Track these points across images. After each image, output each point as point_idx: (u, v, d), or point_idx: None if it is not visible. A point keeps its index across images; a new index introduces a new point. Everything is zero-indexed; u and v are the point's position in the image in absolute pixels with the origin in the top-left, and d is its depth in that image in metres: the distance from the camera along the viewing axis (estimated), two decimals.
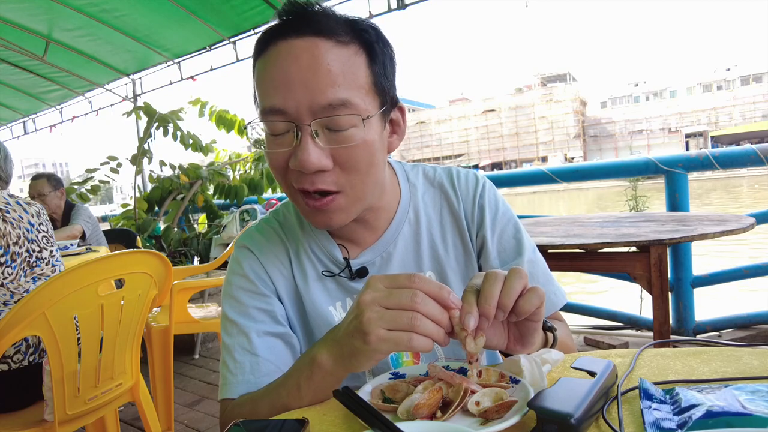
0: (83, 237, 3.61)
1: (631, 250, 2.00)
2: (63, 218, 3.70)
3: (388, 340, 0.58)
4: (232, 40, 4.77)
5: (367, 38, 0.74)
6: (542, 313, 0.63)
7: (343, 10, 0.75)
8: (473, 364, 0.62)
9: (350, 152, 0.71)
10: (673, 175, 2.89)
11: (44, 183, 3.62)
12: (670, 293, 2.74)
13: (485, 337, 0.60)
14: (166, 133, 5.13)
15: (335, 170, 0.71)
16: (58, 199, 3.69)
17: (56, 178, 3.75)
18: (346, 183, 0.73)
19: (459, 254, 0.88)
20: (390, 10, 3.80)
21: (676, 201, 2.90)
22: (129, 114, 5.53)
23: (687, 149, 47.01)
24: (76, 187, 5.44)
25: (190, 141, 5.21)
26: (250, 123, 0.76)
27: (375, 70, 0.74)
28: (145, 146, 5.12)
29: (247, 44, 4.81)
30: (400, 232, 0.87)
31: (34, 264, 1.63)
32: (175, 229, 5.20)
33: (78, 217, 3.68)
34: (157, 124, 5.04)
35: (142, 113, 5.10)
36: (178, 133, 5.13)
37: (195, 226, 5.66)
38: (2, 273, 1.53)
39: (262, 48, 0.73)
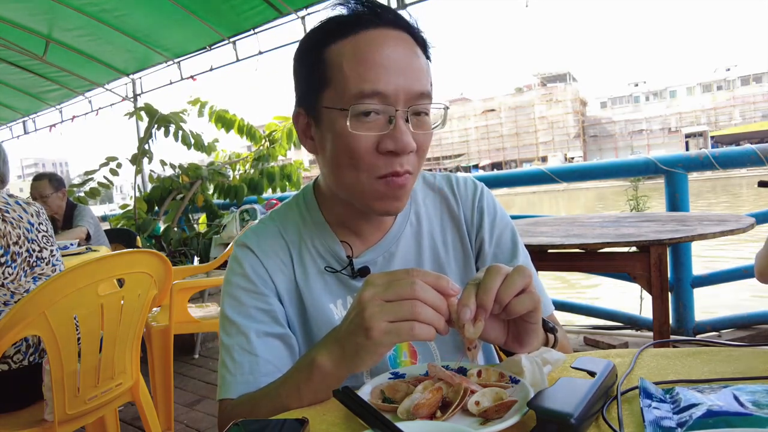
0: (88, 238, 3.60)
1: (631, 250, 2.00)
2: (65, 219, 3.66)
3: (390, 332, 0.59)
4: (232, 40, 4.76)
5: (426, 42, 0.79)
6: (538, 316, 0.65)
7: (336, 9, 0.77)
8: (471, 351, 0.62)
9: (426, 137, 0.77)
10: (673, 175, 2.89)
11: (45, 184, 3.57)
12: (669, 293, 2.74)
13: (483, 323, 0.61)
14: (167, 134, 5.13)
15: (413, 153, 0.76)
16: (60, 200, 3.64)
17: (58, 178, 3.69)
18: (417, 166, 0.78)
19: (458, 256, 0.90)
20: None
21: (676, 201, 2.90)
22: (131, 115, 5.53)
23: (687, 149, 47.04)
24: (74, 189, 5.44)
25: (192, 141, 5.21)
26: (355, 105, 0.71)
27: (430, 70, 0.80)
28: (146, 146, 5.13)
29: (247, 44, 4.81)
30: (402, 232, 0.88)
31: (35, 264, 1.63)
32: (175, 229, 5.21)
33: (83, 219, 3.65)
34: (157, 124, 5.05)
35: (144, 114, 5.10)
36: (180, 133, 5.13)
37: (195, 226, 5.66)
38: (2, 273, 1.53)
39: (345, 31, 0.73)
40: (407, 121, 0.73)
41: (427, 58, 0.79)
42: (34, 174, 3.82)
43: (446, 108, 0.80)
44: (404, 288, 0.59)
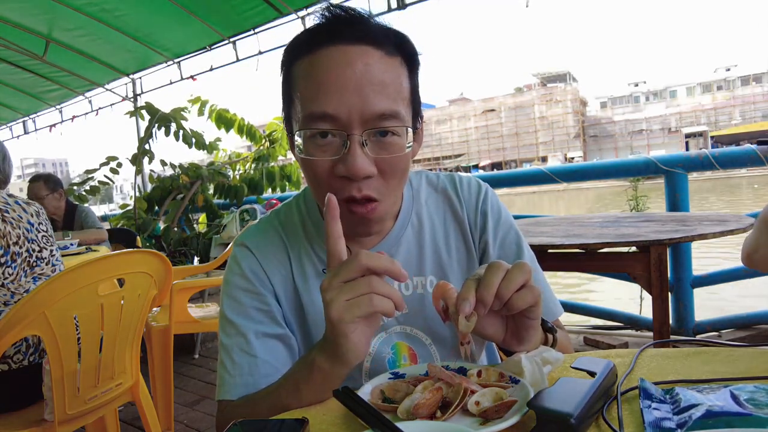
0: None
1: (631, 250, 2.00)
2: (65, 219, 3.63)
3: (349, 308, 0.60)
4: (232, 39, 4.76)
5: (408, 50, 0.75)
6: (538, 312, 0.64)
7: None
8: (464, 346, 0.62)
9: (393, 160, 0.72)
10: (673, 175, 2.89)
11: (41, 186, 3.54)
12: (669, 293, 2.74)
13: (476, 317, 0.61)
14: (168, 133, 5.13)
15: (377, 177, 0.72)
16: (57, 201, 3.61)
17: (54, 179, 3.65)
18: (385, 190, 0.74)
19: (462, 259, 0.89)
20: (390, 9, 3.80)
21: (676, 201, 2.90)
22: (133, 114, 5.52)
23: (687, 149, 47.01)
24: (74, 188, 5.44)
25: (194, 140, 5.21)
26: (301, 130, 0.71)
27: (413, 82, 0.76)
28: (146, 146, 5.13)
29: (247, 44, 4.81)
30: (403, 235, 0.87)
31: (35, 264, 1.63)
32: (175, 229, 5.20)
33: (94, 221, 3.67)
34: (158, 123, 5.04)
35: (145, 113, 5.10)
36: (181, 132, 5.13)
37: (195, 225, 5.66)
38: (3, 273, 1.53)
39: (305, 49, 0.72)
40: (364, 144, 0.69)
41: (411, 68, 0.75)
42: (34, 174, 3.81)
43: (412, 129, 0.74)
44: (352, 263, 0.60)
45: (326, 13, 0.73)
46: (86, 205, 4.16)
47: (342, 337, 0.61)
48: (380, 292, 0.60)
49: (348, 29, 0.70)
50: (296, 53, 0.74)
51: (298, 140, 0.73)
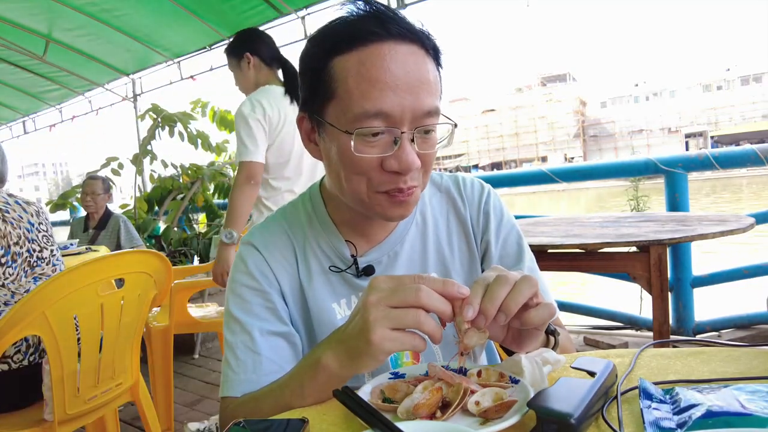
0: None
1: (631, 250, 2.00)
2: (100, 221, 3.90)
3: (393, 340, 0.59)
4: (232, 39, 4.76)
5: (436, 47, 0.77)
6: (546, 324, 0.65)
7: (343, 9, 0.75)
8: (464, 355, 0.62)
9: (432, 155, 0.77)
10: (673, 175, 2.89)
11: (99, 184, 3.90)
12: (669, 293, 2.74)
13: (487, 334, 0.61)
14: (172, 134, 5.12)
15: (417, 169, 0.75)
16: (104, 201, 3.94)
17: (109, 184, 4.02)
18: (422, 178, 0.78)
19: (464, 257, 0.90)
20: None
21: (676, 201, 2.90)
22: (143, 117, 5.51)
23: (687, 149, 47.02)
24: (77, 190, 5.44)
25: (199, 140, 5.21)
26: (358, 129, 0.71)
27: (440, 79, 0.78)
28: (148, 146, 5.12)
29: None
30: (408, 232, 0.88)
31: (35, 264, 1.63)
32: (175, 229, 5.20)
33: (138, 239, 3.90)
34: (161, 123, 5.04)
35: (153, 113, 5.10)
36: (185, 134, 5.12)
37: (195, 225, 5.65)
38: (3, 273, 1.53)
39: (350, 44, 0.71)
40: (413, 140, 0.72)
41: (439, 65, 0.77)
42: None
43: (455, 125, 0.77)
44: (409, 294, 0.59)
45: (367, 8, 0.72)
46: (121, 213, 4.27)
47: (372, 358, 0.61)
48: (425, 329, 0.59)
49: (394, 26, 0.71)
50: (337, 47, 0.72)
51: (342, 135, 0.72)
